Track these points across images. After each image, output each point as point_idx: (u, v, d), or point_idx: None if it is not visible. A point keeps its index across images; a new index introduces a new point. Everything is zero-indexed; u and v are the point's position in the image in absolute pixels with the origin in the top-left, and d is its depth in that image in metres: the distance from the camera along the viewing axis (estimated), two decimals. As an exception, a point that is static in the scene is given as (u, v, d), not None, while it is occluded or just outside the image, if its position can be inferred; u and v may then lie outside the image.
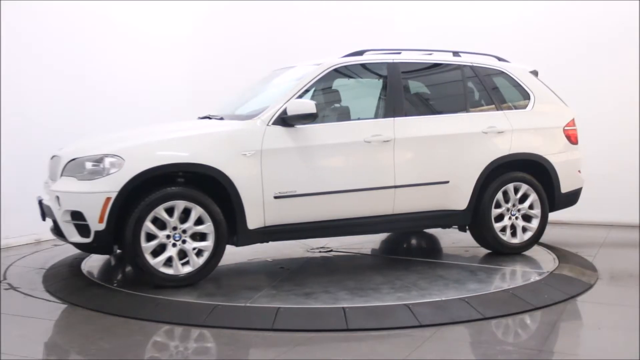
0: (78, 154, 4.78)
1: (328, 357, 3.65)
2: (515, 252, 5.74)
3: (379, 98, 5.61)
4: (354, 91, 5.88)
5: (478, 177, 5.55)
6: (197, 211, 4.69)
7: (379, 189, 5.23)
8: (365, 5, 8.48)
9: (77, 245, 4.79)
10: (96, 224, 4.54)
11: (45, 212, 5.02)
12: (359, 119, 5.44)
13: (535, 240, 5.83)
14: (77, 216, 4.61)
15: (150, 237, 4.62)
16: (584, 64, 7.55)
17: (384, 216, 5.31)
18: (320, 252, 6.07)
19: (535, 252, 5.86)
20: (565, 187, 5.94)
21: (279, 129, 4.95)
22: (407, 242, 6.74)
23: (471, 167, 5.54)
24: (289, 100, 5.01)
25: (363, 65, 5.57)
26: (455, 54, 5.93)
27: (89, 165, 4.65)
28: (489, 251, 5.85)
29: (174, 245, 4.68)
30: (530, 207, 5.78)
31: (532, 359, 3.60)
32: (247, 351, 3.82)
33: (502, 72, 5.98)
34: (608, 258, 5.89)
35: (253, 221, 4.86)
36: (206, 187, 4.78)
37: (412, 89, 5.79)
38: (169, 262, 4.67)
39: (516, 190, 5.73)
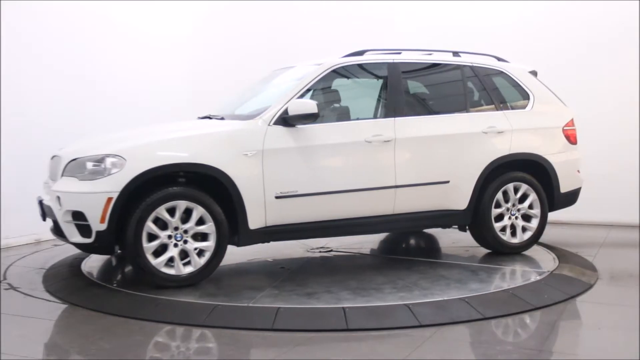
0: (79, 154, 4.78)
1: (328, 357, 3.65)
2: (515, 252, 5.75)
3: (380, 98, 5.62)
4: (355, 91, 5.89)
5: (478, 177, 5.56)
6: (198, 211, 4.69)
7: (380, 189, 5.23)
8: (365, 5, 8.48)
9: (78, 245, 4.78)
10: (97, 224, 4.54)
11: (45, 212, 5.01)
12: (359, 119, 5.45)
13: (534, 240, 5.83)
14: (78, 216, 4.61)
15: (152, 237, 4.62)
16: (584, 64, 7.56)
17: (384, 216, 5.31)
18: (320, 252, 6.07)
19: (535, 252, 5.87)
20: (564, 187, 5.95)
21: (280, 129, 4.95)
22: (406, 242, 6.75)
23: (471, 167, 5.55)
24: (290, 100, 5.02)
25: (364, 65, 5.57)
26: (455, 54, 5.93)
27: (90, 165, 4.65)
28: (488, 251, 5.86)
29: (176, 245, 4.68)
30: (530, 206, 5.78)
31: (532, 359, 3.60)
32: (247, 351, 3.82)
33: (502, 72, 5.99)
34: (608, 258, 5.89)
35: (254, 221, 4.86)
36: (207, 187, 4.78)
37: (413, 89, 5.79)
38: (170, 262, 4.67)
39: (516, 190, 5.74)
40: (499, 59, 6.12)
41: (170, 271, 4.67)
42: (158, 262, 4.63)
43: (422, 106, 5.77)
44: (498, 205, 5.69)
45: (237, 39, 8.92)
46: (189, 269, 4.71)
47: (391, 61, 5.55)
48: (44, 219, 5.12)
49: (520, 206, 5.77)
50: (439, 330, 3.99)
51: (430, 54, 5.96)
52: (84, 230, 4.60)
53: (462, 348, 3.83)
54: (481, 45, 6.71)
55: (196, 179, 4.80)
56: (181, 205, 4.66)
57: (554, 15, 7.73)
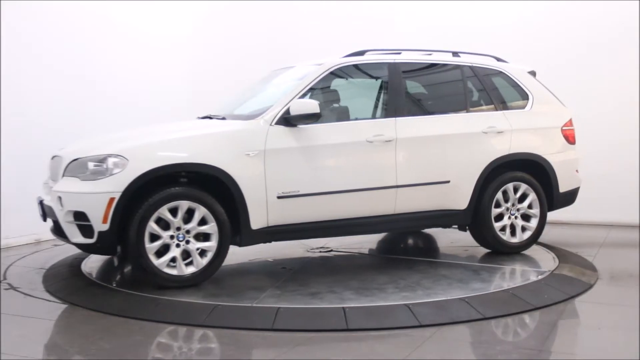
0: (80, 154, 4.77)
1: (328, 357, 3.65)
2: (514, 252, 5.76)
3: (381, 98, 5.63)
4: (356, 91, 5.89)
5: (478, 177, 5.57)
6: (200, 211, 4.68)
7: (381, 188, 5.24)
8: (365, 5, 8.48)
9: (80, 246, 4.76)
10: (100, 225, 4.53)
11: (46, 212, 5.01)
12: (359, 119, 5.45)
13: (534, 239, 5.84)
14: (80, 217, 4.60)
15: (154, 237, 4.61)
16: (584, 64, 7.56)
17: (385, 216, 5.32)
18: (320, 252, 6.07)
19: (535, 252, 5.88)
20: (563, 186, 5.96)
21: (282, 128, 4.95)
22: (405, 242, 6.75)
23: (472, 167, 5.56)
24: (292, 100, 5.02)
25: (364, 66, 5.58)
26: (455, 54, 5.94)
27: (91, 165, 4.64)
28: (487, 250, 5.86)
29: (178, 245, 4.67)
30: (530, 206, 5.79)
31: (532, 359, 3.61)
32: (247, 351, 3.83)
33: (501, 72, 6.00)
34: (608, 258, 5.90)
35: (256, 221, 4.86)
36: (210, 188, 4.77)
37: (413, 89, 5.80)
38: (172, 262, 4.66)
39: (515, 190, 5.75)
40: (498, 59, 6.13)
41: (173, 271, 4.66)
42: (160, 263, 4.62)
43: (422, 106, 5.77)
44: (498, 205, 5.70)
45: (237, 39, 8.92)
46: (191, 269, 4.71)
47: (392, 61, 5.56)
48: (45, 220, 5.11)
49: (519, 206, 5.78)
50: (439, 330, 3.99)
51: (430, 54, 5.97)
52: (86, 230, 4.60)
53: (462, 348, 3.83)
54: (481, 45, 6.72)
55: (198, 179, 4.80)
56: (183, 205, 4.65)
57: (554, 15, 7.73)
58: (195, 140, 4.89)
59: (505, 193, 5.72)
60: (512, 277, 5.22)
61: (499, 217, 5.71)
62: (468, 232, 5.83)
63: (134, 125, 5.97)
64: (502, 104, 5.86)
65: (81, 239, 4.64)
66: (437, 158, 5.45)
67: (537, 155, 5.82)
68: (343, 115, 5.41)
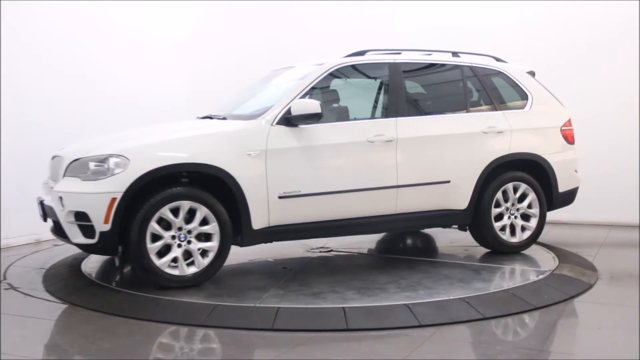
0: (81, 154, 4.76)
1: (328, 357, 3.65)
2: (514, 251, 5.77)
3: (381, 98, 5.63)
4: (357, 91, 5.90)
5: (478, 177, 5.58)
6: (202, 211, 4.68)
7: (382, 188, 5.24)
8: (365, 5, 8.48)
9: (81, 246, 4.76)
10: (101, 225, 4.52)
11: (46, 212, 5.00)
12: (360, 119, 5.46)
13: (533, 239, 5.85)
14: (81, 217, 4.59)
15: (156, 237, 4.61)
16: (584, 64, 7.56)
17: (386, 216, 5.32)
18: (320, 252, 6.08)
19: (535, 252, 5.88)
20: (562, 186, 5.97)
21: (283, 128, 4.95)
22: (404, 242, 6.76)
23: (472, 167, 5.56)
24: (292, 100, 5.02)
25: (365, 66, 5.59)
26: (455, 54, 5.95)
27: (92, 165, 4.63)
28: (487, 250, 5.87)
29: (179, 245, 4.67)
30: (529, 206, 5.80)
31: (532, 359, 3.61)
32: (247, 351, 3.82)
33: (500, 73, 6.00)
34: (608, 258, 5.90)
35: (258, 221, 4.85)
36: (211, 188, 4.77)
37: (414, 89, 5.80)
38: (174, 262, 4.66)
39: (515, 190, 5.76)
40: (498, 59, 6.14)
41: (174, 272, 4.66)
42: (162, 263, 4.62)
43: (423, 106, 5.78)
44: (497, 205, 5.70)
45: (237, 39, 8.93)
46: (192, 270, 4.71)
47: (392, 61, 5.56)
48: (45, 220, 5.11)
49: (519, 205, 5.79)
50: (439, 330, 3.99)
51: (430, 54, 5.97)
52: (87, 230, 4.59)
53: (462, 348, 3.84)
54: (481, 45, 6.72)
55: (200, 179, 4.80)
56: (185, 205, 4.65)
57: (553, 15, 7.74)
58: (196, 140, 4.89)
59: (505, 193, 5.72)
60: (512, 277, 5.23)
61: (499, 217, 5.72)
62: (468, 232, 5.84)
63: (134, 125, 5.97)
64: (501, 104, 5.86)
65: (82, 239, 4.63)
66: (437, 158, 5.46)
67: (537, 155, 5.83)
68: (344, 115, 5.41)
